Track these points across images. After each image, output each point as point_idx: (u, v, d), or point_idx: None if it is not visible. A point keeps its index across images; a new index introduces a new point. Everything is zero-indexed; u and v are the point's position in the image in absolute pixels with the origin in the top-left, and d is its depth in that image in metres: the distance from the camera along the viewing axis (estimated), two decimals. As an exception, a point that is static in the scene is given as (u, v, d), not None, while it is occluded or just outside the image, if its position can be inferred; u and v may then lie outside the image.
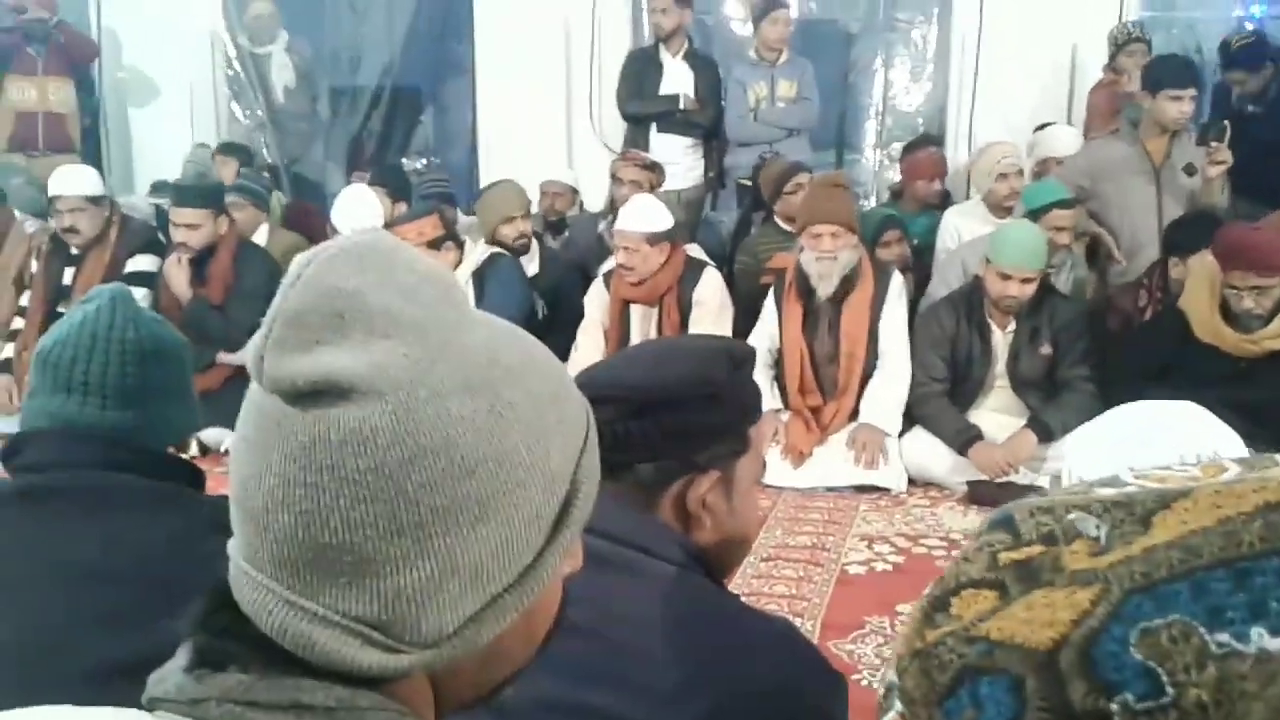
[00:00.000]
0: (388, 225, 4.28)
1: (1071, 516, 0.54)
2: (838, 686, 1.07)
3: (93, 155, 5.93)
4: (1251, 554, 0.47)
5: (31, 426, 1.40)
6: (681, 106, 5.34)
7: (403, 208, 5.21)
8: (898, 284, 4.06)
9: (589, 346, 4.18)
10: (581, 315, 4.34)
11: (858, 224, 4.07)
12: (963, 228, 4.67)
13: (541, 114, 6.02)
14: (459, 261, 4.13)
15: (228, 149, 5.96)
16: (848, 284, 3.96)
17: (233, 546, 0.62)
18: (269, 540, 0.58)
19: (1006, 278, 3.77)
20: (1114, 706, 0.46)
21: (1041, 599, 0.51)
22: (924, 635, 0.54)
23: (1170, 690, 0.46)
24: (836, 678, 1.08)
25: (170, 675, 0.60)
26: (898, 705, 0.54)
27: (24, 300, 4.70)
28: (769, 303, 4.13)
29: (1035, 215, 4.13)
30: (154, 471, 1.40)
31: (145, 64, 6.64)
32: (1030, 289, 3.79)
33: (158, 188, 5.87)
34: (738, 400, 1.16)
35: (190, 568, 1.30)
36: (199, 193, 4.46)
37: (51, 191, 4.53)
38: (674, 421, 1.10)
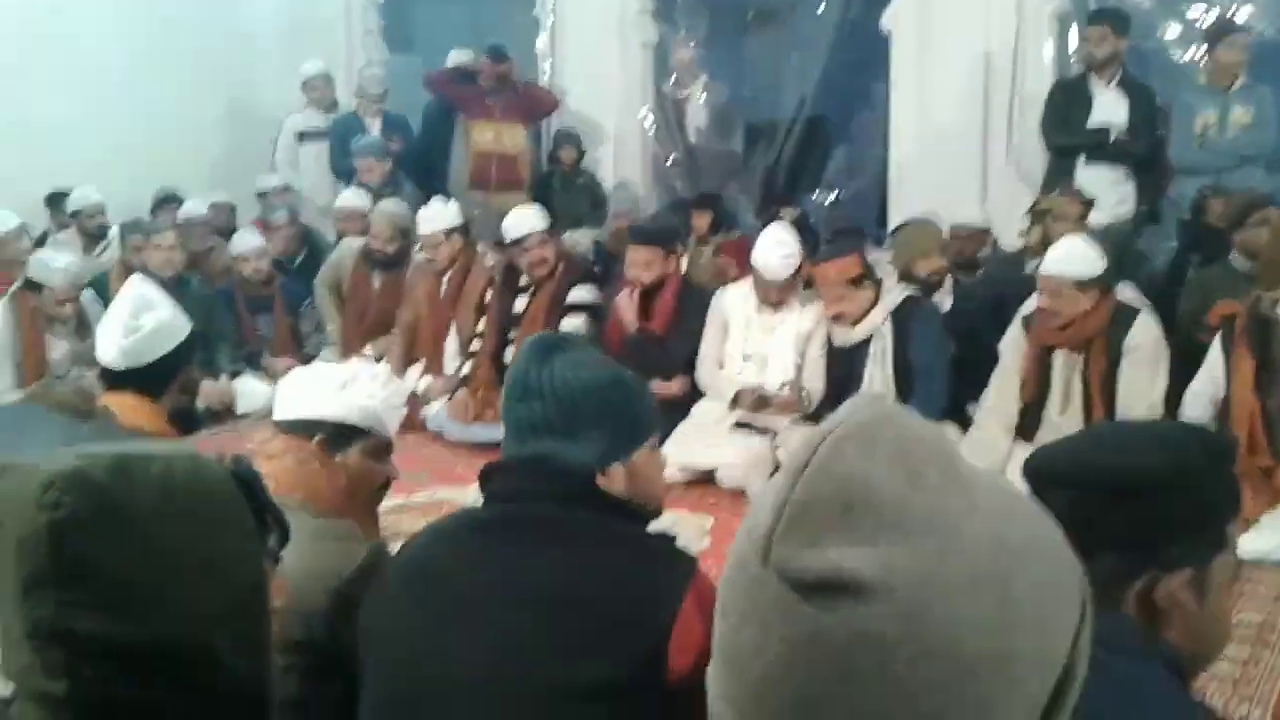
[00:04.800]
0: (806, 263, 4.38)
1: None
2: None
3: (540, 193, 6.58)
4: None
5: (505, 457, 1.51)
6: (1112, 137, 5.07)
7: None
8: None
9: (1003, 394, 4.03)
10: (992, 355, 4.20)
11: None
12: None
13: (956, 148, 5.92)
14: (875, 300, 4.15)
15: (701, 201, 6.29)
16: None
17: (711, 678, 0.63)
18: (764, 708, 0.59)
19: None
20: None
21: None
22: None
23: None
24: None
25: None
26: None
27: (481, 325, 5.30)
28: (1214, 351, 3.79)
29: None
30: (593, 505, 1.46)
31: (585, 112, 7.28)
32: None
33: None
34: (1217, 494, 1.10)
35: (631, 600, 1.38)
36: (655, 233, 4.84)
37: (514, 234, 5.00)
38: (1146, 512, 1.06)
